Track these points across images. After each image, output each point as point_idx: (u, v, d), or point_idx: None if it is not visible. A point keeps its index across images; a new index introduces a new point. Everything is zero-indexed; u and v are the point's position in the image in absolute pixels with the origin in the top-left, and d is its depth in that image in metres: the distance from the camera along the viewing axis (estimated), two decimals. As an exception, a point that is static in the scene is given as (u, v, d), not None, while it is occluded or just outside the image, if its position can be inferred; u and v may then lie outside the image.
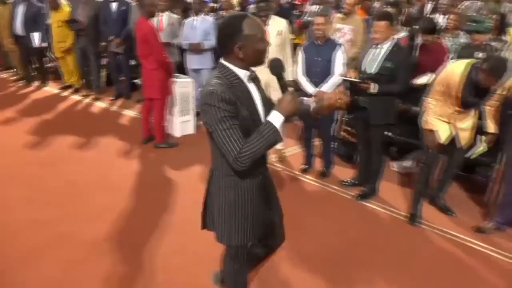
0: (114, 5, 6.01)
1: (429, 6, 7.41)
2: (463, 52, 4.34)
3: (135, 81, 6.81)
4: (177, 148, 4.81)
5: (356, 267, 2.91)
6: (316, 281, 2.76)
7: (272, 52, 4.03)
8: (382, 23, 3.41)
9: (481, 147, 3.37)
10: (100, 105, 6.35)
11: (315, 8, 6.82)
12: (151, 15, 4.34)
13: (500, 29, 4.54)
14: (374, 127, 3.63)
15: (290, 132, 4.98)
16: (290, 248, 2.95)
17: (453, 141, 3.30)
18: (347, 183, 4.02)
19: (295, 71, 4.07)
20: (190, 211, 3.56)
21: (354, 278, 2.80)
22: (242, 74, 1.79)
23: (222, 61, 1.80)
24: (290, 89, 1.86)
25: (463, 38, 4.76)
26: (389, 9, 4.73)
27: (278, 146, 4.58)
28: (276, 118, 1.71)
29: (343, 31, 5.05)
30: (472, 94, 3.04)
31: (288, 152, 4.71)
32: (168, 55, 5.46)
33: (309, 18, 6.29)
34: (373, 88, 3.41)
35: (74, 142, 4.92)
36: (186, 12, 6.07)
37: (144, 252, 3.01)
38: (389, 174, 4.21)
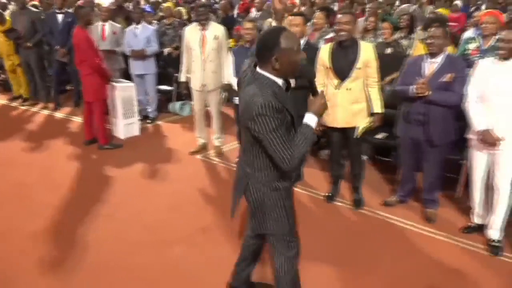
0: (60, 17, 6.22)
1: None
2: (378, 49, 4.87)
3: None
4: (121, 149, 5.06)
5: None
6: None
7: (209, 55, 4.43)
8: (298, 18, 3.80)
9: (363, 125, 3.57)
10: (47, 113, 6.49)
11: (254, 14, 7.29)
12: (87, 23, 4.62)
13: (410, 28, 5.07)
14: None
15: (228, 130, 5.34)
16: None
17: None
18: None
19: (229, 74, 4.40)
20: (124, 201, 3.87)
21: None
22: (280, 82, 1.96)
23: (260, 71, 1.94)
24: (320, 92, 2.13)
25: (380, 38, 5.30)
26: (319, 12, 5.14)
27: (216, 142, 4.93)
28: (311, 120, 1.96)
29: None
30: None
31: (225, 148, 5.06)
32: (113, 62, 5.79)
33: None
34: (291, 83, 3.80)
35: (22, 148, 5.11)
36: (128, 20, 6.34)
37: (78, 239, 3.28)
38: (316, 162, 4.66)
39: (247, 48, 4.21)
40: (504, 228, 3.17)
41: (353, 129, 3.59)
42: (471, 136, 3.15)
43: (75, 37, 4.55)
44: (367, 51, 3.44)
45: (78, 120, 6.10)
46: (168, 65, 6.45)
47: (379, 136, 4.32)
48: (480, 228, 3.34)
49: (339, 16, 3.41)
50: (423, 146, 3.42)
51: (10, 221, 3.53)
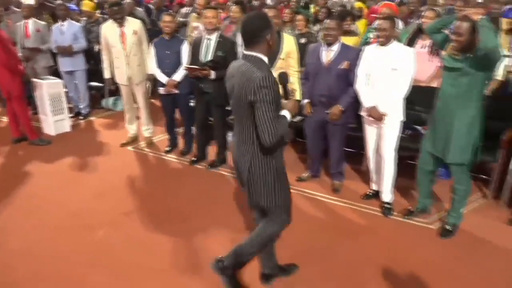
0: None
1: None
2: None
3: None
4: (51, 144, 5.11)
5: (202, 219, 3.56)
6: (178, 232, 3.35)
7: (130, 50, 4.58)
8: (212, 11, 4.05)
9: None
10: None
11: (185, 10, 7.46)
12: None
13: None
14: (216, 108, 4.29)
15: (158, 121, 5.53)
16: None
17: None
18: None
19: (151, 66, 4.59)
20: (50, 193, 3.98)
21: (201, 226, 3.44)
22: (267, 61, 2.18)
23: (254, 53, 2.13)
24: (293, 95, 2.35)
25: (298, 30, 5.69)
26: (235, 6, 5.42)
27: (146, 133, 5.11)
28: (287, 114, 2.21)
29: (200, 28, 5.71)
30: None
31: (155, 139, 5.25)
32: (40, 60, 5.78)
33: (180, 19, 6.88)
34: (212, 74, 4.04)
35: None
36: (55, 17, 6.29)
37: (5, 233, 3.36)
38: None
39: (167, 40, 4.43)
40: (392, 191, 3.63)
41: None
42: (362, 113, 3.58)
43: (-17, 34, 4.56)
44: (289, 43, 3.78)
45: (4, 119, 6.02)
46: (98, 61, 6.48)
47: (296, 119, 4.69)
48: (377, 194, 3.79)
49: (270, 11, 3.71)
50: (327, 125, 3.81)
51: None
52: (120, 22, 4.53)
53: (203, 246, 3.16)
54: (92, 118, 6.12)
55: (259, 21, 2.15)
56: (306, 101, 3.83)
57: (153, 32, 5.89)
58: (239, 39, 3.98)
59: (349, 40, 4.49)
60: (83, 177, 4.32)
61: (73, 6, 7.49)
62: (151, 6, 8.59)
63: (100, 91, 6.63)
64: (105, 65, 4.81)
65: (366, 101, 3.43)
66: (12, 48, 4.80)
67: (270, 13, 4.00)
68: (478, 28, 2.73)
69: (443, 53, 3.12)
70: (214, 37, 4.10)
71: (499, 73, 4.01)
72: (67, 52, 5.64)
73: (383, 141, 3.46)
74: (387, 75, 3.28)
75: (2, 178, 4.29)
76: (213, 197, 3.89)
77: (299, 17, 5.31)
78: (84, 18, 7.02)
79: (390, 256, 3.04)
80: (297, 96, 3.87)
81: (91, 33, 6.32)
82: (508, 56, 4.12)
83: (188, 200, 3.83)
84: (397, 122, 3.40)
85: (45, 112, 5.34)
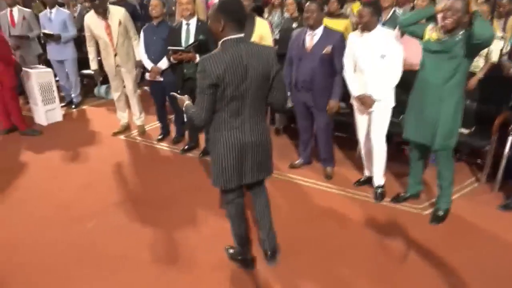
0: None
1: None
2: (285, 24, 5.19)
3: None
4: (42, 135, 5.07)
5: (188, 207, 3.54)
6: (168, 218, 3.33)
7: (116, 40, 4.47)
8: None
9: None
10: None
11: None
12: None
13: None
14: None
15: (149, 109, 5.47)
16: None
17: None
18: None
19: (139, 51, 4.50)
20: (37, 184, 3.94)
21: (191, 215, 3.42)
22: None
23: (242, 35, 2.23)
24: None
25: (286, 15, 5.59)
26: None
27: (138, 122, 5.05)
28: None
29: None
30: None
31: (147, 127, 5.20)
32: (28, 49, 5.70)
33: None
34: (197, 58, 3.96)
35: None
36: (44, 3, 6.17)
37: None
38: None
39: (155, 26, 4.33)
40: (382, 176, 3.58)
41: None
42: (352, 101, 3.52)
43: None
44: (261, 27, 3.70)
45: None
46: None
47: (289, 105, 4.62)
48: (370, 180, 3.75)
49: None
50: (312, 110, 3.75)
51: None
52: (103, 14, 4.40)
53: (194, 236, 3.13)
54: (84, 107, 6.07)
55: (239, 4, 2.21)
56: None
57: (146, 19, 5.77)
58: None
59: (338, 24, 4.37)
60: (73, 167, 4.29)
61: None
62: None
63: (92, 79, 6.56)
64: (91, 56, 4.70)
65: (354, 89, 3.37)
66: (4, 37, 4.73)
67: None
68: (474, 18, 2.64)
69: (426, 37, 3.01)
70: (193, 21, 4.01)
71: (492, 56, 3.93)
72: (54, 40, 5.54)
73: (373, 127, 3.40)
74: (376, 63, 3.20)
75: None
76: (205, 186, 3.84)
77: (289, 0, 5.19)
78: (79, 4, 6.93)
79: (380, 242, 3.01)
80: None
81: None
82: (501, 38, 4.04)
83: (180, 188, 3.80)
84: (388, 108, 3.33)
85: (36, 102, 5.29)
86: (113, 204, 3.58)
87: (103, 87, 6.41)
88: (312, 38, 3.54)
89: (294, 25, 4.96)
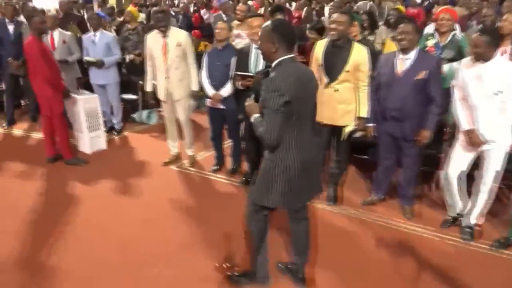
0: (11, 27, 5.81)
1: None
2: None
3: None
4: (87, 164, 4.78)
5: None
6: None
7: (172, 63, 4.23)
8: (258, 19, 3.72)
9: (350, 127, 3.59)
10: (1, 131, 6.02)
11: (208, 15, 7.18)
12: (40, 32, 4.33)
13: (372, 25, 5.18)
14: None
15: (201, 139, 5.20)
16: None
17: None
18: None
19: (201, 76, 4.26)
20: (91, 220, 3.63)
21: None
22: None
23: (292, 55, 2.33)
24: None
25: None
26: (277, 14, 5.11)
27: (189, 152, 4.75)
28: None
29: (242, 36, 5.37)
30: None
31: (198, 157, 4.90)
32: (67, 73, 5.49)
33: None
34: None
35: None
36: (81, 27, 5.99)
37: (44, 266, 3.02)
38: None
39: (219, 50, 4.12)
40: (478, 217, 3.26)
41: (341, 128, 3.59)
42: (458, 135, 3.21)
43: (27, 47, 4.28)
44: (359, 54, 3.40)
45: (37, 136, 5.74)
46: (131, 72, 6.21)
47: (358, 135, 4.31)
48: (456, 220, 3.40)
49: (334, 15, 3.39)
50: (400, 142, 3.44)
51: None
52: (164, 31, 4.19)
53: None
54: (126, 133, 5.81)
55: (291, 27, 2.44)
56: (371, 125, 3.50)
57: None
58: None
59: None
60: (127, 201, 3.99)
61: (101, 13, 7.22)
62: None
63: (131, 104, 6.34)
64: (148, 77, 4.49)
65: (464, 122, 3.07)
66: (54, 62, 4.54)
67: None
68: None
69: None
70: None
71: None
72: (97, 66, 5.34)
73: (484, 166, 3.09)
74: (489, 99, 2.91)
75: (38, 204, 3.93)
76: (277, 221, 3.52)
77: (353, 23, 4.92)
78: (114, 28, 6.78)
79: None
80: (364, 113, 3.50)
81: (128, 41, 6.04)
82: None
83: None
84: (502, 150, 3.02)
85: (81, 129, 5.03)
86: (179, 246, 3.25)
87: (145, 112, 6.17)
88: (403, 62, 3.28)
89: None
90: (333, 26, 3.39)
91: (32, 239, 3.37)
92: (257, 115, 2.30)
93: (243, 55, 3.84)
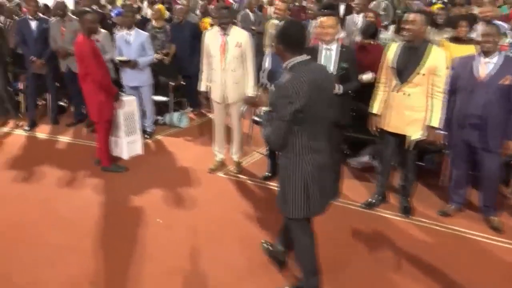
0: (33, 24, 5.44)
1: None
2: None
3: (62, 103, 6.31)
4: (127, 171, 4.46)
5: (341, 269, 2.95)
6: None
7: (230, 64, 3.96)
8: (331, 19, 3.46)
9: (416, 137, 3.32)
10: (25, 134, 5.63)
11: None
12: (91, 32, 4.00)
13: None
14: (335, 129, 3.68)
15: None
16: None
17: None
18: None
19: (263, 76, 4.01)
20: (157, 236, 3.35)
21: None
22: None
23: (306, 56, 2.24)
24: None
25: (383, 34, 5.18)
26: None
27: (235, 157, 4.47)
28: None
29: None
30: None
31: (243, 163, 4.63)
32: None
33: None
34: (338, 88, 3.41)
35: (6, 178, 4.33)
36: (103, 24, 5.61)
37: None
38: (349, 171, 4.41)
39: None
40: None
41: (406, 136, 3.37)
42: None
43: (77, 47, 3.94)
44: (436, 57, 3.15)
45: (64, 140, 5.38)
46: (159, 73, 5.89)
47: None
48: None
49: (411, 15, 3.16)
50: (478, 151, 3.27)
51: (26, 275, 2.89)
52: (225, 29, 3.92)
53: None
54: (158, 137, 5.49)
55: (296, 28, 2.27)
56: (442, 132, 3.32)
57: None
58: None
59: (466, 50, 3.92)
60: (183, 213, 3.69)
61: (116, 11, 6.88)
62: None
63: (160, 106, 6.02)
64: (203, 76, 4.22)
65: None
66: (106, 65, 4.25)
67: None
68: None
69: None
70: (334, 47, 3.51)
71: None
72: (130, 67, 5.02)
73: None
74: None
75: (90, 216, 3.62)
76: (344, 232, 3.29)
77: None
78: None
79: None
80: (436, 122, 3.25)
81: (155, 40, 5.72)
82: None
83: (325, 240, 3.22)
84: None
85: (118, 134, 4.70)
86: (258, 267, 2.96)
87: (176, 115, 5.87)
88: (486, 65, 3.11)
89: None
90: (406, 26, 3.18)
91: (99, 257, 3.07)
92: (265, 108, 2.25)
93: (312, 55, 3.59)
